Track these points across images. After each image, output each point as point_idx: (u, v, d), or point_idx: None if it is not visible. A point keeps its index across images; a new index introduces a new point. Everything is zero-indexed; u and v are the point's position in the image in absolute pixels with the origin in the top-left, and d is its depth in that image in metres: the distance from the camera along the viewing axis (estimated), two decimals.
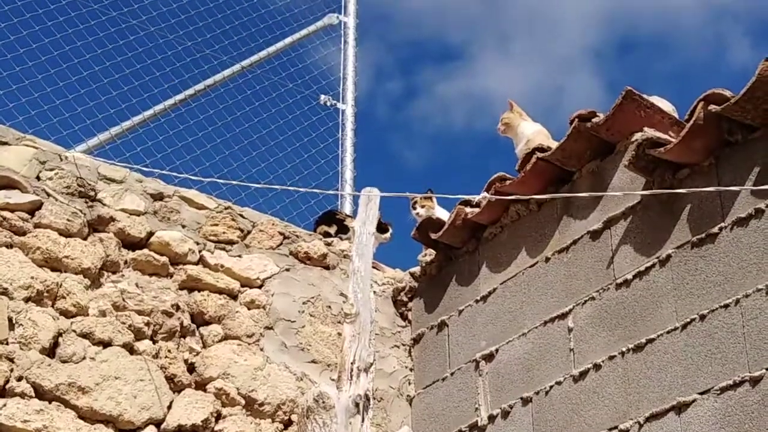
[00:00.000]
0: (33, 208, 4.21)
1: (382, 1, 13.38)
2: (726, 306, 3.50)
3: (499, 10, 14.56)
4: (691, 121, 3.65)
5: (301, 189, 4.99)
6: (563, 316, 4.14)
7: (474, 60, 14.52)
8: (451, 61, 14.29)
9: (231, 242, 4.73)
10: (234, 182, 4.40)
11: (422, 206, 5.02)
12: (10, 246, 4.07)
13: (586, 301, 4.06)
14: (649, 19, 13.97)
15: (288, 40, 5.97)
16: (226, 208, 4.78)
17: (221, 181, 4.33)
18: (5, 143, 4.32)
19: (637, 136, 3.93)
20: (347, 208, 5.54)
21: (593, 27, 14.54)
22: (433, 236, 4.83)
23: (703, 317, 3.58)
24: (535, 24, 14.29)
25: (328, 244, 5.00)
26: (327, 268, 4.94)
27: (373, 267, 4.89)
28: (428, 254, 5.01)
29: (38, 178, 4.32)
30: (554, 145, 4.43)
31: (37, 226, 4.18)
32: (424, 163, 13.51)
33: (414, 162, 13.52)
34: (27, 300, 3.97)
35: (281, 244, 4.87)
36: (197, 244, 4.62)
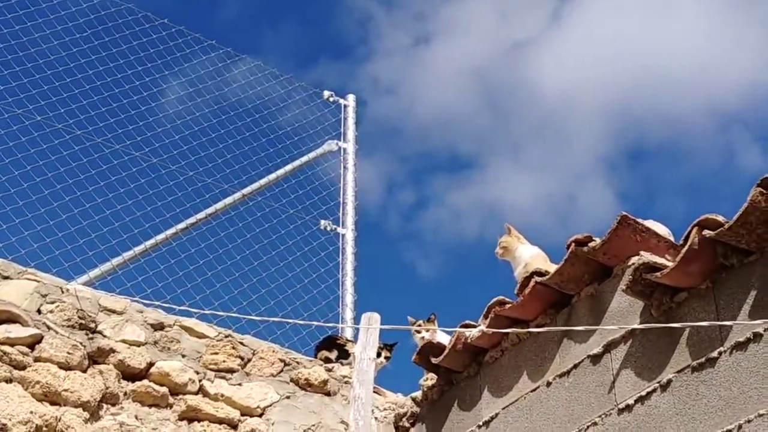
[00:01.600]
0: (34, 342, 4.22)
1: (391, 115, 13.62)
2: None
3: (509, 120, 14.80)
4: (686, 246, 3.69)
5: (300, 321, 5.01)
6: None
7: (485, 169, 14.68)
8: (462, 171, 14.45)
9: (231, 370, 4.72)
10: (234, 314, 4.45)
11: (426, 331, 5.02)
12: (9, 381, 4.07)
13: (588, 427, 4.02)
14: (658, 129, 14.19)
15: (288, 167, 6.07)
16: (226, 336, 4.79)
17: (221, 312, 4.37)
18: (7, 277, 4.36)
19: (634, 260, 3.96)
20: (348, 333, 5.54)
21: (603, 136, 14.75)
22: (434, 360, 4.81)
23: None
24: (545, 133, 14.50)
25: (329, 370, 4.99)
26: (328, 394, 4.92)
27: (375, 392, 4.88)
28: (430, 378, 4.98)
29: (39, 311, 4.34)
30: (552, 268, 4.45)
31: (37, 359, 4.19)
32: (437, 272, 13.52)
33: (427, 272, 13.55)
34: None
35: (282, 371, 4.86)
36: (197, 373, 4.61)
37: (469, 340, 4.67)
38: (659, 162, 14.38)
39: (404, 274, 12.85)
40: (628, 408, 3.88)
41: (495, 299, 4.58)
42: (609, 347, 4.06)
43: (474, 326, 4.67)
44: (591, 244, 4.15)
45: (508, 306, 4.50)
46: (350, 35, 14.40)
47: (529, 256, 4.83)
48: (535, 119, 14.66)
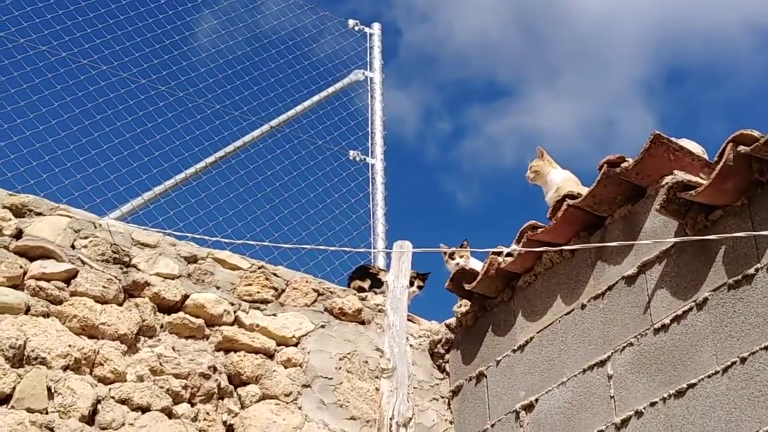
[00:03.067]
0: (69, 277, 4.25)
1: (426, 43, 13.47)
2: (766, 348, 3.45)
3: (545, 46, 14.58)
4: (721, 163, 3.63)
5: (333, 248, 5.01)
6: (602, 363, 4.10)
7: (523, 97, 14.52)
8: (499, 99, 14.29)
9: (265, 301, 4.74)
10: (266, 243, 4.44)
11: (459, 256, 5.00)
12: (47, 315, 4.11)
13: (624, 348, 4.02)
14: (697, 49, 13.90)
15: (315, 98, 6.03)
16: (259, 268, 4.80)
17: (254, 243, 4.37)
18: (39, 213, 4.37)
19: (668, 179, 3.91)
20: (380, 262, 5.54)
21: (641, 59, 14.51)
22: (467, 287, 4.81)
23: (743, 360, 3.52)
24: (582, 59, 14.27)
25: (363, 299, 5.00)
26: (362, 323, 4.94)
27: (409, 320, 4.88)
28: (463, 305, 4.99)
29: (73, 246, 4.36)
30: (583, 191, 4.41)
31: (73, 294, 4.22)
32: (476, 201, 13.47)
33: (465, 201, 13.50)
34: (65, 368, 4.00)
35: (315, 300, 4.88)
36: (232, 304, 4.63)
37: (501, 265, 4.66)
38: (699, 84, 14.10)
39: (442, 204, 12.80)
40: (664, 328, 3.87)
41: (527, 224, 4.55)
42: (643, 268, 4.04)
43: (504, 249, 4.65)
44: (624, 165, 4.10)
45: (540, 230, 4.47)
46: None
47: (561, 180, 4.79)
48: (572, 44, 14.42)
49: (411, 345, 4.89)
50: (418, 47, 12.61)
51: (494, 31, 14.30)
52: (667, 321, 3.86)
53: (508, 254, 4.65)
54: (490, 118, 13.97)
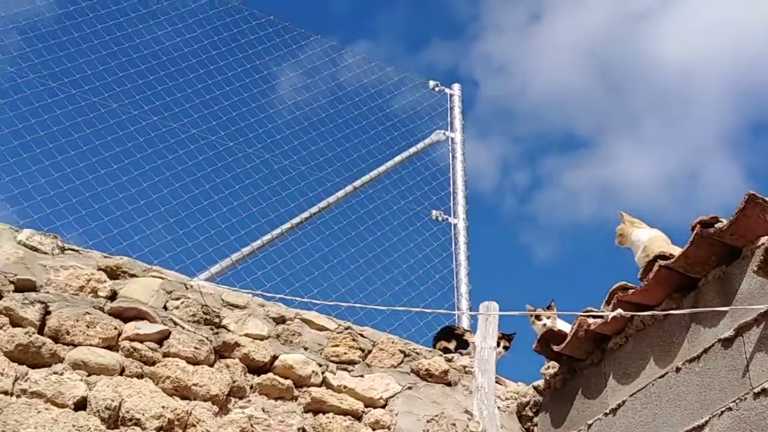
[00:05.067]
0: (162, 338, 4.31)
1: (503, 95, 13.50)
2: None
3: (624, 97, 14.49)
4: None
5: (419, 309, 5.00)
6: (700, 429, 4.00)
7: (601, 148, 14.41)
8: (577, 150, 14.21)
9: (353, 362, 4.75)
10: (353, 304, 4.46)
11: (546, 317, 4.96)
12: (141, 376, 4.16)
13: (723, 412, 3.92)
14: None
15: (398, 158, 6.07)
16: (346, 329, 4.81)
17: (343, 303, 4.39)
18: (133, 275, 4.45)
19: (764, 240, 3.85)
20: (465, 323, 5.51)
21: (724, 108, 14.31)
22: (556, 348, 4.76)
23: None
24: (663, 109, 14.13)
25: (449, 360, 4.97)
26: (449, 384, 4.90)
27: (496, 382, 4.85)
28: (551, 367, 4.93)
29: (165, 307, 4.43)
30: (673, 249, 4.36)
31: (166, 355, 4.27)
32: (553, 255, 13.36)
33: (544, 254, 13.40)
34: (159, 430, 4.02)
35: (402, 362, 4.86)
36: (320, 365, 4.65)
37: (591, 327, 4.61)
38: None
39: (521, 257, 12.70)
40: (765, 392, 3.77)
41: (617, 284, 4.50)
42: (741, 330, 3.95)
43: (595, 313, 4.60)
44: (717, 225, 4.05)
45: (631, 291, 4.42)
46: (462, 14, 14.33)
47: (647, 239, 4.75)
48: (652, 94, 14.29)
49: (499, 407, 4.86)
50: (496, 99, 12.68)
51: (572, 82, 14.29)
52: (767, 385, 3.77)
53: (598, 315, 4.60)
54: (567, 169, 13.90)
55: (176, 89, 5.52)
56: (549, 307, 5.03)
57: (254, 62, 5.88)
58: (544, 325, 4.94)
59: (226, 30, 5.91)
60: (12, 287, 4.12)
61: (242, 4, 5.96)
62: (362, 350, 4.80)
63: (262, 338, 4.57)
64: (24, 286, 4.15)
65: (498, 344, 5.02)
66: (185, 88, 5.55)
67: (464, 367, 4.95)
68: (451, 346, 5.12)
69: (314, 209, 5.61)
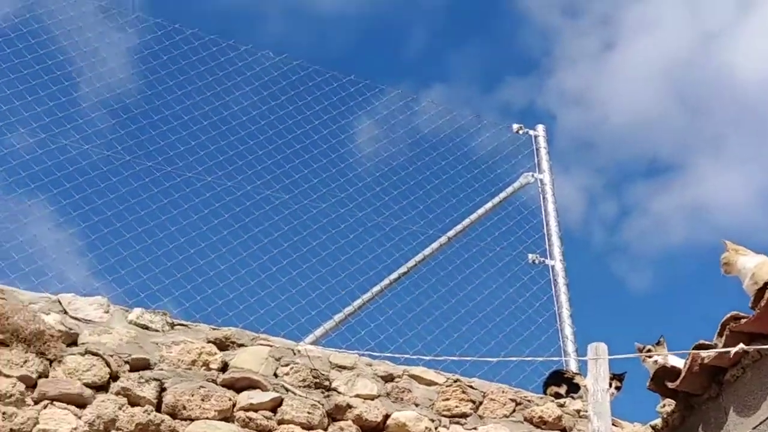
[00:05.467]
0: (275, 405, 4.35)
1: (582, 126, 13.42)
2: None
3: (706, 116, 14.26)
4: None
5: (527, 358, 4.98)
6: None
7: (688, 170, 14.15)
8: (663, 175, 14.00)
9: (464, 415, 4.72)
10: (461, 357, 4.48)
11: (657, 354, 4.87)
12: None
13: None
14: None
15: (488, 205, 6.07)
16: (455, 381, 4.80)
17: (450, 357, 4.42)
18: (242, 345, 4.52)
19: None
20: (573, 365, 5.44)
21: None
22: (671, 385, 4.66)
23: None
24: (747, 124, 13.84)
25: (561, 406, 4.91)
26: (564, 430, 4.84)
27: (612, 424, 4.76)
28: (667, 404, 4.83)
29: (276, 374, 4.47)
30: None
31: (280, 422, 4.31)
32: (649, 283, 13.13)
33: (638, 284, 13.17)
34: None
35: (514, 410, 4.82)
36: (432, 420, 4.63)
37: (705, 361, 4.50)
38: None
39: (615, 289, 12.50)
40: None
41: (729, 315, 4.40)
42: None
43: (708, 346, 4.50)
44: None
45: (744, 321, 4.31)
46: (534, 49, 14.34)
47: (753, 266, 4.64)
48: (733, 110, 14.02)
49: None
50: (575, 131, 12.59)
51: (651, 106, 14.12)
52: None
53: (710, 347, 4.50)
54: (655, 195, 13.68)
55: (266, 157, 5.64)
56: (658, 343, 4.94)
57: (330, 120, 5.96)
58: (656, 362, 4.85)
59: (300, 93, 6.00)
60: (127, 367, 4.21)
61: (302, 63, 6.05)
62: (473, 402, 4.77)
63: (372, 398, 4.58)
64: (138, 365, 4.24)
65: (609, 385, 4.93)
66: (275, 154, 5.67)
67: (578, 411, 4.88)
68: (562, 390, 5.05)
69: (411, 263, 5.63)
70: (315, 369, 4.54)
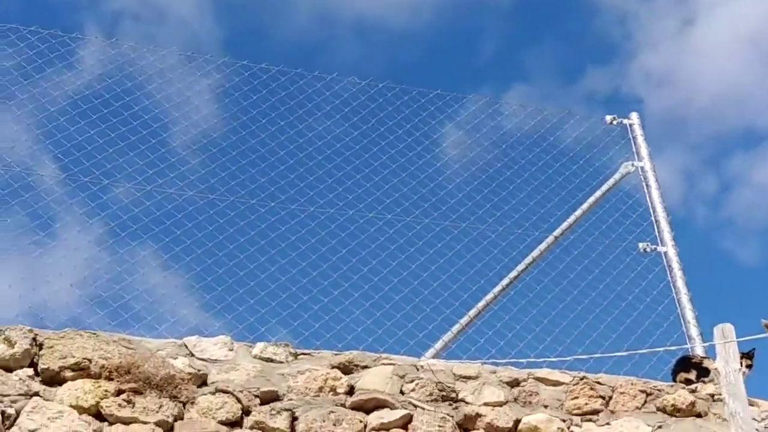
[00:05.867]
0: (405, 422, 4.38)
1: (672, 105, 13.18)
2: None
3: None
4: None
5: (657, 348, 4.91)
6: None
7: None
8: (761, 144, 13.63)
9: (595, 411, 4.67)
10: (585, 356, 4.40)
11: None
12: None
13: None
14: None
15: (591, 199, 6.00)
16: (581, 379, 4.75)
17: (578, 356, 4.35)
18: (365, 366, 4.56)
19: None
20: (699, 350, 5.34)
21: None
22: None
23: None
24: None
25: (693, 392, 4.83)
26: (699, 416, 4.75)
27: (749, 404, 4.67)
28: None
29: (402, 392, 4.51)
30: None
31: None
32: (758, 255, 12.77)
33: (747, 257, 12.82)
34: None
35: (645, 402, 4.75)
36: (563, 421, 4.60)
37: None
38: None
39: (725, 265, 12.19)
40: None
41: None
42: None
43: None
44: None
45: None
46: (613, 36, 14.16)
47: None
48: None
49: (757, 429, 4.66)
50: (664, 112, 12.35)
51: (740, 76, 13.78)
52: None
53: None
54: (755, 166, 13.31)
55: (364, 180, 5.69)
56: None
57: (416, 134, 6.00)
58: None
59: (385, 112, 6.06)
60: (258, 401, 4.30)
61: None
62: (602, 398, 4.72)
63: (500, 404, 4.57)
64: (268, 398, 4.32)
65: (740, 365, 4.83)
66: (372, 176, 5.72)
67: (711, 395, 4.79)
68: (692, 376, 4.97)
69: (520, 267, 5.61)
70: (440, 382, 4.56)
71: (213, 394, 4.27)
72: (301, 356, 4.56)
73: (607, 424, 4.63)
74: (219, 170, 5.51)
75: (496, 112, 6.45)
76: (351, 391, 4.47)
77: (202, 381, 4.32)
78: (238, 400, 4.26)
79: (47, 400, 4.05)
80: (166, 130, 5.68)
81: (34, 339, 4.20)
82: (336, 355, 4.59)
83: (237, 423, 4.22)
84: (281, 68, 5.98)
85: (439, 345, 5.12)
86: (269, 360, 4.48)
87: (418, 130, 6.10)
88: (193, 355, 4.40)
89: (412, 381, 4.55)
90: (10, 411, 3.96)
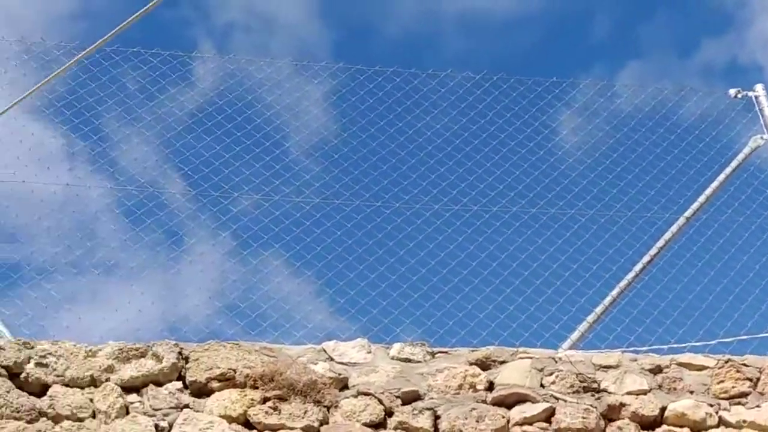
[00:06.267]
0: (548, 416, 4.35)
1: None
2: None
3: None
4: None
5: None
6: None
7: None
8: None
9: (743, 394, 4.56)
10: (740, 337, 4.28)
11: None
12: None
13: None
14: None
15: (721, 177, 5.84)
16: (726, 362, 4.64)
17: (727, 339, 4.23)
18: (503, 362, 4.55)
19: None
20: None
21: None
22: None
23: None
24: None
25: None
26: None
27: None
28: None
29: (542, 385, 4.47)
30: None
31: (557, 431, 4.29)
32: None
33: None
34: None
35: None
36: (710, 405, 4.50)
37: None
38: None
39: None
40: None
41: None
42: None
43: None
44: None
45: None
46: (727, 5, 13.75)
47: None
48: None
49: None
50: None
51: None
52: None
53: None
54: None
55: (485, 174, 5.67)
56: None
57: (531, 121, 5.96)
58: None
59: (501, 104, 6.02)
60: (399, 401, 4.33)
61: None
62: (750, 380, 4.60)
63: (644, 392, 4.50)
64: (409, 398, 4.35)
65: None
66: (493, 170, 5.70)
67: None
68: None
69: (653, 251, 5.48)
70: (580, 373, 4.51)
71: (355, 397, 4.32)
72: (438, 355, 4.57)
73: (757, 406, 4.51)
74: (342, 175, 5.57)
75: (615, 95, 6.34)
76: (491, 387, 4.46)
77: (343, 385, 4.37)
78: (380, 402, 4.30)
79: (197, 411, 4.17)
80: (287, 139, 5.79)
81: (180, 353, 4.32)
82: (473, 351, 4.58)
83: (381, 424, 4.26)
84: (395, 69, 6.01)
85: (575, 336, 5.05)
86: (407, 360, 4.51)
87: (536, 120, 6.06)
88: (332, 359, 4.46)
89: (551, 374, 4.51)
90: (163, 424, 4.09)
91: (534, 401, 4.39)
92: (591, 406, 4.40)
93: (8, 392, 4.09)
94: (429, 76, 6.10)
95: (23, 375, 4.17)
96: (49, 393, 4.14)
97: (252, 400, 4.21)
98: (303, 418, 4.20)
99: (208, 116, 5.72)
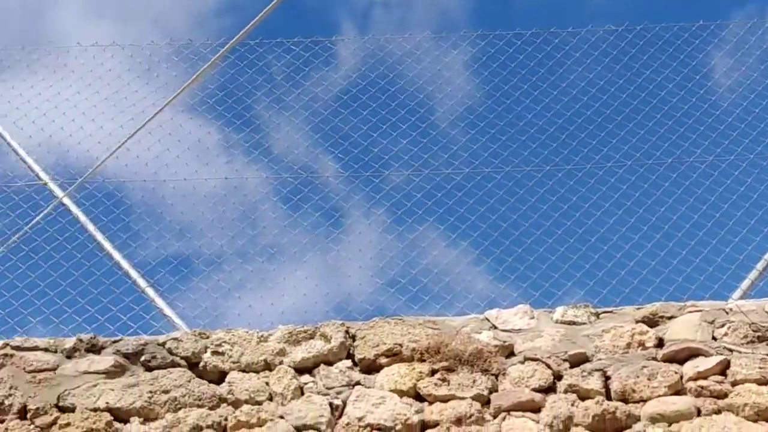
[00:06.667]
0: (723, 369, 4.24)
1: None
2: None
3: None
4: None
5: None
6: None
7: None
8: None
9: None
10: None
11: None
12: (718, 411, 4.10)
13: None
14: None
15: None
16: None
17: None
18: (671, 317, 4.46)
19: None
20: None
21: None
22: None
23: None
24: None
25: None
26: None
27: None
28: None
29: (714, 338, 4.36)
30: None
31: (734, 384, 4.19)
32: None
33: None
34: None
35: None
36: None
37: None
38: None
39: None
40: None
41: None
42: None
43: None
44: None
45: None
46: None
47: None
48: None
49: None
50: None
51: None
52: None
53: None
54: None
55: (637, 127, 5.55)
56: None
57: (682, 68, 5.76)
58: None
59: (651, 52, 5.87)
60: (567, 365, 4.31)
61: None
62: None
63: None
64: (577, 360, 4.33)
65: None
66: (645, 122, 5.57)
67: None
68: None
69: None
70: (753, 323, 4.37)
71: (522, 363, 4.32)
72: (603, 315, 4.52)
73: None
74: (490, 143, 5.57)
75: (766, 32, 6.08)
76: (660, 343, 4.38)
77: (509, 352, 4.39)
78: (548, 366, 4.30)
79: (368, 387, 4.27)
80: (433, 112, 5.83)
81: (347, 332, 4.43)
82: (638, 309, 4.51)
83: (550, 389, 4.26)
84: (534, 30, 5.95)
85: (745, 284, 4.91)
86: (571, 323, 4.48)
87: (685, 67, 5.88)
88: (496, 327, 4.48)
89: (722, 325, 4.39)
90: (337, 402, 4.21)
91: (707, 355, 4.29)
92: (767, 355, 4.26)
93: (189, 381, 4.30)
94: (570, 34, 6.01)
95: (201, 364, 4.37)
96: (227, 379, 4.33)
97: (420, 373, 4.28)
98: (472, 387, 4.23)
99: (353, 98, 5.83)
